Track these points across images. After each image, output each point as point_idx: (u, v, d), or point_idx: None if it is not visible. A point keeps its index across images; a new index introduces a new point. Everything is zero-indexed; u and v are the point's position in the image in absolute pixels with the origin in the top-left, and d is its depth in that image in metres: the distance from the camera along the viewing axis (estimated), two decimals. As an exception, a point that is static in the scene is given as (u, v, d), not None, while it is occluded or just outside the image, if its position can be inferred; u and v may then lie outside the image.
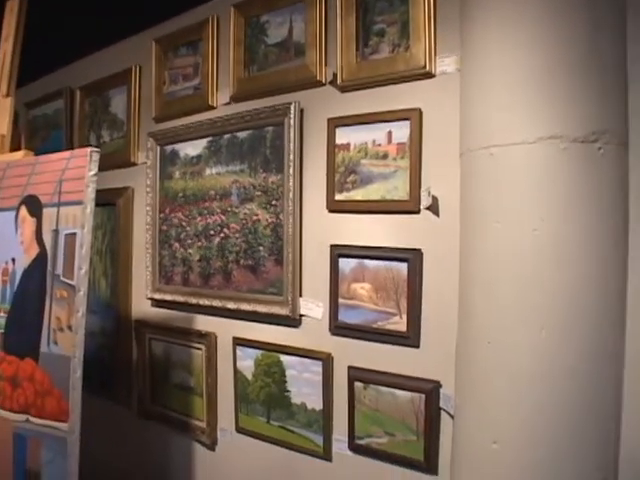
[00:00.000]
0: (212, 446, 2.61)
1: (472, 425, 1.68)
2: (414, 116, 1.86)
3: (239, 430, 2.50)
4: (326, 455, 2.19)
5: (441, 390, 1.87)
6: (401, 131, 1.89)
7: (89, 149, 1.74)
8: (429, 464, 1.91)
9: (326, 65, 2.12)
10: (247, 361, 2.40)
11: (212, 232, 2.42)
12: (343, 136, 2.02)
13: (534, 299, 1.54)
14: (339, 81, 2.04)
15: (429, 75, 1.90)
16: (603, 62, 1.53)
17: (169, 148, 2.58)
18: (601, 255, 1.54)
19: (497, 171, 1.59)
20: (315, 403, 2.18)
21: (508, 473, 1.59)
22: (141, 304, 2.77)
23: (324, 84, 2.14)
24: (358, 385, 2.03)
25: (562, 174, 1.52)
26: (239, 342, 2.40)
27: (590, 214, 1.53)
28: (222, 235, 2.36)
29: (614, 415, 1.58)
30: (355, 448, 2.12)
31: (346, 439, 2.13)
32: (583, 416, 1.55)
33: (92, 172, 1.73)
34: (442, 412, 1.91)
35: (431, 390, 1.91)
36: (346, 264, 2.01)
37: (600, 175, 1.53)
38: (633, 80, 1.57)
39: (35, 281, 1.81)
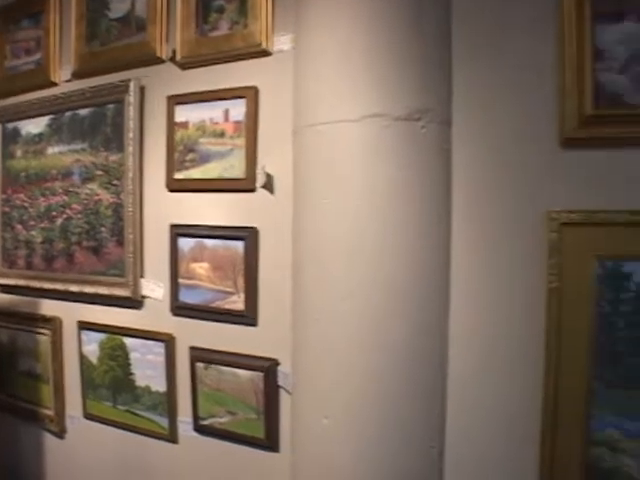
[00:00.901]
0: (61, 434, 2.53)
1: (305, 402, 1.70)
2: (250, 94, 1.85)
3: (87, 416, 2.44)
4: (172, 437, 2.17)
5: (279, 368, 1.87)
6: (238, 109, 1.88)
7: None
8: (270, 442, 1.92)
9: (167, 41, 2.05)
10: (92, 345, 2.35)
11: (54, 213, 2.33)
12: (182, 114, 1.99)
13: (360, 275, 1.57)
14: (178, 58, 2.00)
15: (266, 53, 1.89)
16: (427, 42, 1.57)
17: (11, 125, 2.47)
18: (425, 230, 1.59)
19: (324, 148, 1.60)
20: (159, 385, 2.15)
21: (339, 447, 1.62)
22: (-16, 290, 2.56)
23: (164, 61, 2.09)
24: (199, 365, 2.00)
25: (386, 151, 1.54)
26: (83, 326, 2.33)
27: (414, 190, 1.57)
28: (64, 216, 2.28)
29: (439, 388, 1.65)
30: (200, 429, 2.11)
31: (191, 420, 2.12)
32: (410, 389, 1.60)
33: None
34: (281, 390, 1.87)
35: (269, 368, 1.91)
36: (185, 244, 1.99)
37: (423, 152, 1.58)
38: (457, 60, 1.63)
39: None
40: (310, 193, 1.63)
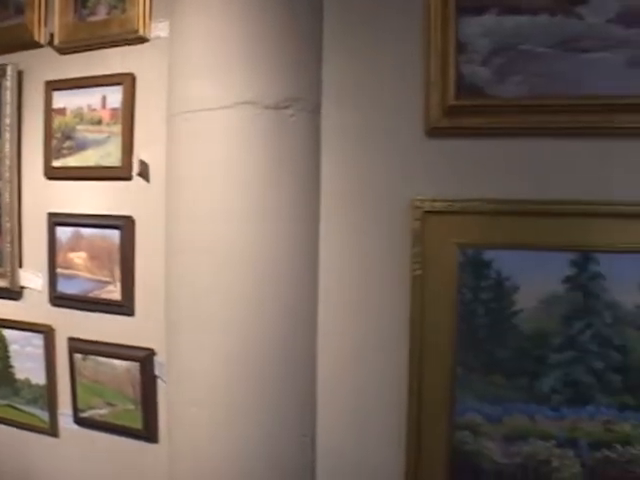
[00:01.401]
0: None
1: (176, 390, 1.70)
2: (127, 81, 1.83)
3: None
4: (53, 431, 2.13)
5: (155, 358, 1.85)
6: (115, 96, 1.84)
7: None
8: (149, 432, 1.90)
9: (45, 25, 1.98)
10: (-29, 338, 2.15)
11: None
12: (60, 100, 1.95)
13: (229, 264, 1.58)
14: (56, 42, 1.97)
15: (143, 40, 1.87)
16: (299, 31, 1.58)
17: None
18: (294, 218, 1.60)
19: (195, 136, 1.59)
20: (39, 378, 2.11)
21: (208, 436, 1.64)
22: None
23: (42, 45, 2.02)
24: (78, 356, 1.97)
25: (256, 140, 1.55)
26: (-38, 319, 2.15)
27: (284, 178, 1.58)
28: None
29: (310, 377, 1.68)
30: (80, 421, 2.08)
31: (71, 413, 2.09)
32: (281, 378, 1.61)
33: None
34: (158, 380, 1.83)
35: (145, 358, 1.90)
36: (63, 233, 1.95)
37: (293, 141, 1.59)
38: (327, 49, 1.65)
39: None
40: (181, 181, 1.63)
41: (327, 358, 1.67)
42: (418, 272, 1.51)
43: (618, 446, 1.47)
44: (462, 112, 1.52)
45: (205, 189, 1.57)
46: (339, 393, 1.68)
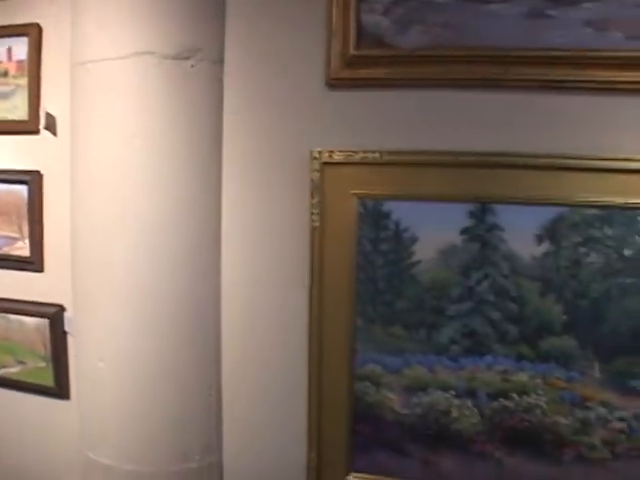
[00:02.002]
0: None
1: (84, 346, 1.70)
2: (33, 32, 1.78)
3: None
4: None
5: (65, 314, 1.81)
6: (20, 48, 1.79)
7: None
8: (60, 389, 1.89)
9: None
10: None
11: None
12: (-35, 52, 1.83)
13: (133, 219, 1.57)
14: (-39, -7, 1.82)
15: (49, -11, 1.72)
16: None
17: None
18: (197, 169, 1.61)
19: (96, 87, 1.57)
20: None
21: (115, 391, 1.64)
22: None
23: (-50, -5, 1.88)
24: (-13, 315, 1.87)
25: (155, 90, 1.53)
26: None
27: (185, 130, 1.57)
28: None
29: (214, 333, 1.72)
30: (-8, 380, 1.94)
31: (-18, 373, 1.94)
32: (187, 334, 1.63)
33: None
34: (68, 336, 1.78)
35: (55, 315, 1.88)
36: (-31, 189, 1.85)
37: (194, 91, 1.57)
38: (231, 0, 1.62)
39: None
40: (84, 133, 1.61)
41: (230, 309, 1.69)
42: (317, 223, 1.50)
43: (515, 396, 1.49)
44: (362, 63, 1.52)
45: (105, 141, 1.56)
46: (242, 345, 1.71)
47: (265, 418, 1.65)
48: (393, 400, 1.53)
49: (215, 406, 1.64)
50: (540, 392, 1.50)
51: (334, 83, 1.53)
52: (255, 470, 1.72)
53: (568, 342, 1.48)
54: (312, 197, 1.55)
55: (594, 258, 1.43)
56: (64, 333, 1.82)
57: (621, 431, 1.48)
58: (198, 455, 1.64)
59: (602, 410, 1.48)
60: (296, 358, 1.62)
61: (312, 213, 1.56)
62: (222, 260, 1.66)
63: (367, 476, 1.61)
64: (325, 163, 1.53)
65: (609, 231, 1.42)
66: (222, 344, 1.69)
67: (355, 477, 1.62)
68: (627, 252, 1.42)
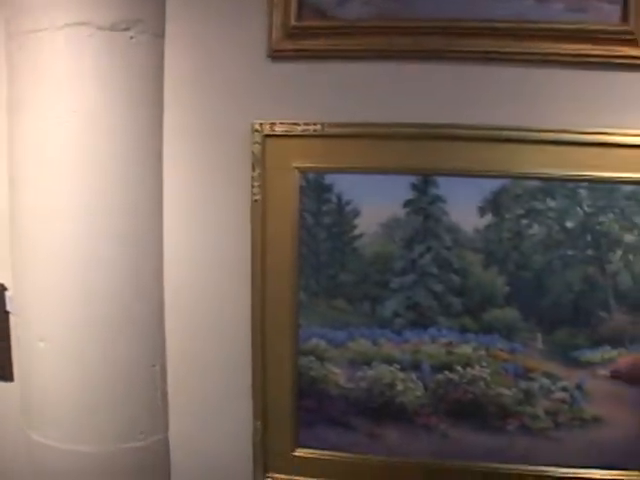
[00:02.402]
0: None
1: (25, 325, 1.66)
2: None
3: None
4: None
5: (7, 293, 1.75)
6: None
7: None
8: (3, 371, 1.83)
9: None
10: None
11: None
12: None
13: (70, 193, 1.54)
14: None
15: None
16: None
17: None
18: (137, 141, 1.57)
19: (28, 59, 1.52)
20: None
21: (55, 370, 1.61)
22: None
23: None
24: None
25: (92, 63, 1.48)
26: None
27: (124, 103, 1.53)
28: None
29: (158, 306, 1.69)
30: None
31: None
32: (129, 307, 1.61)
33: None
34: (11, 316, 1.73)
35: (-5, 294, 1.72)
36: None
37: (133, 65, 1.52)
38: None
39: None
40: (18, 105, 1.56)
41: (173, 285, 1.67)
42: (258, 197, 1.47)
43: (459, 368, 1.48)
44: (304, 34, 1.50)
45: (39, 115, 1.52)
46: (185, 321, 1.69)
47: (210, 394, 1.64)
48: (338, 374, 1.52)
49: (160, 383, 1.61)
50: (484, 364, 1.48)
51: (275, 55, 1.51)
52: (202, 447, 1.73)
53: (511, 314, 1.46)
54: (253, 170, 1.52)
55: (536, 230, 1.42)
56: (6, 313, 1.75)
57: (563, 401, 1.47)
58: (143, 433, 1.63)
59: (545, 381, 1.47)
60: (239, 334, 1.61)
61: (253, 186, 1.53)
62: (164, 236, 1.63)
63: (313, 451, 1.60)
64: (267, 135, 1.51)
65: (551, 203, 1.42)
66: (165, 321, 1.67)
67: (301, 452, 1.60)
68: (569, 224, 1.41)
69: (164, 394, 1.68)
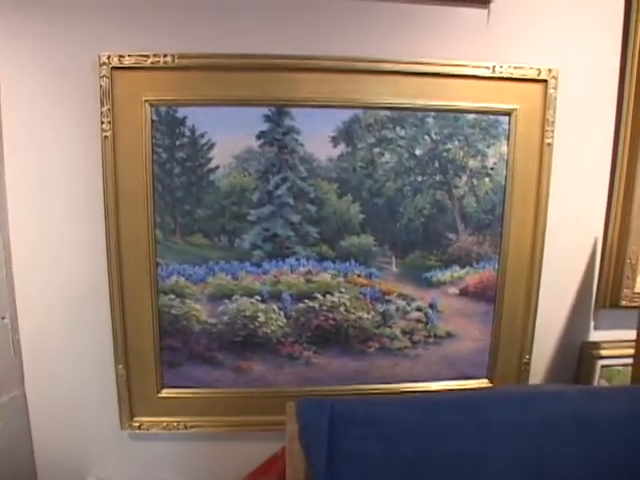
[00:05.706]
0: None
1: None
2: None
3: None
4: None
5: None
6: None
7: None
8: None
9: None
10: None
11: None
12: None
13: None
14: None
15: None
16: None
17: None
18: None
19: None
20: None
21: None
22: None
23: None
24: None
25: None
26: None
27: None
28: None
29: (5, 250, 1.59)
30: None
31: None
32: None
33: None
34: None
35: None
36: None
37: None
38: None
39: None
40: None
41: (20, 225, 1.57)
42: (108, 133, 1.42)
43: (319, 296, 1.50)
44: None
45: None
46: (36, 266, 1.60)
47: (67, 342, 1.58)
48: (199, 311, 1.52)
49: (11, 336, 1.51)
50: (342, 290, 1.52)
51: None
52: (62, 400, 1.67)
53: (366, 240, 1.50)
54: (102, 105, 1.44)
55: (388, 158, 1.47)
56: None
57: (418, 320, 1.54)
58: (-3, 390, 1.44)
59: (401, 302, 1.53)
60: (95, 276, 1.56)
61: (102, 122, 1.46)
62: (6, 173, 1.52)
63: (180, 390, 1.59)
64: (115, 68, 1.44)
65: (401, 132, 1.44)
66: (13, 268, 1.57)
67: (168, 393, 1.59)
68: (418, 152, 1.45)
69: (17, 348, 1.60)
